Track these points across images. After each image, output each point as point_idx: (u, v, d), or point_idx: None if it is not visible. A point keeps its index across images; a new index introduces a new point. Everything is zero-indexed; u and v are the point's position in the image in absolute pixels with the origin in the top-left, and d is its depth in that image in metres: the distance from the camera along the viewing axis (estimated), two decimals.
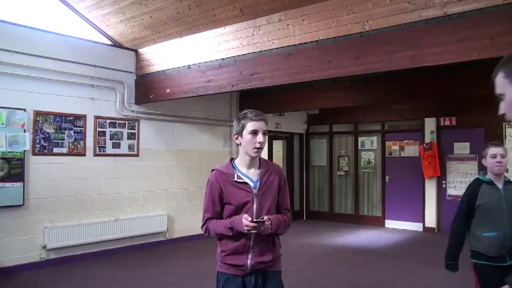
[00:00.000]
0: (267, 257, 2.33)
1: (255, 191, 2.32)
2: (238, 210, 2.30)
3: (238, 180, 2.33)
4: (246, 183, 2.33)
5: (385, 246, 7.54)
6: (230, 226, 2.25)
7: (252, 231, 2.21)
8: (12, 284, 5.14)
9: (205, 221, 2.38)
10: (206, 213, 2.38)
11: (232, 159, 2.44)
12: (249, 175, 2.36)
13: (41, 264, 5.73)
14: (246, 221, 2.18)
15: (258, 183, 2.34)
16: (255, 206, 2.31)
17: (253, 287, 2.31)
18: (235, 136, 2.38)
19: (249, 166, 2.38)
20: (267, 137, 2.38)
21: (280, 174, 2.45)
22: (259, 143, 2.30)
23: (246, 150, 2.34)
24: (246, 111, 2.38)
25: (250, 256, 2.29)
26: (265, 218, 2.21)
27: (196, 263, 6.16)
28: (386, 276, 5.60)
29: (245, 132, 2.32)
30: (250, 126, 2.31)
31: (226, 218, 2.33)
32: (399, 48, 4.14)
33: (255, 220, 2.18)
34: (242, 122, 2.34)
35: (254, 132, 2.31)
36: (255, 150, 2.32)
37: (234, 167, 2.38)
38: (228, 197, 2.32)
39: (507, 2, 3.48)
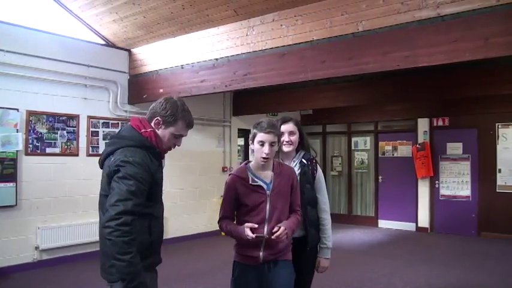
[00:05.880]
0: (278, 248, 2.47)
1: (268, 192, 2.47)
2: (253, 210, 2.47)
3: (252, 184, 2.48)
4: (259, 185, 2.48)
5: (378, 246, 7.57)
6: (235, 235, 2.47)
7: (254, 241, 2.37)
8: (5, 285, 5.10)
9: (220, 219, 2.60)
10: (221, 211, 2.60)
11: (247, 163, 2.61)
12: (263, 177, 2.51)
13: (33, 265, 5.69)
14: (249, 232, 2.34)
15: (271, 185, 2.49)
16: (268, 207, 2.46)
17: (266, 274, 2.48)
18: (250, 142, 2.55)
19: (263, 169, 2.53)
20: (275, 148, 2.50)
21: (292, 175, 2.59)
22: (265, 153, 2.44)
23: (256, 157, 2.51)
24: (262, 120, 2.53)
25: (263, 248, 2.45)
26: (282, 229, 2.35)
27: (190, 263, 6.15)
28: (380, 276, 5.62)
29: (255, 141, 2.48)
30: (259, 137, 2.46)
31: (243, 217, 2.50)
32: (393, 48, 4.16)
33: (256, 235, 2.34)
34: (254, 130, 2.50)
35: (262, 144, 2.45)
36: (261, 159, 2.48)
37: (248, 170, 2.54)
38: (243, 199, 2.49)
39: (500, 3, 3.51)
